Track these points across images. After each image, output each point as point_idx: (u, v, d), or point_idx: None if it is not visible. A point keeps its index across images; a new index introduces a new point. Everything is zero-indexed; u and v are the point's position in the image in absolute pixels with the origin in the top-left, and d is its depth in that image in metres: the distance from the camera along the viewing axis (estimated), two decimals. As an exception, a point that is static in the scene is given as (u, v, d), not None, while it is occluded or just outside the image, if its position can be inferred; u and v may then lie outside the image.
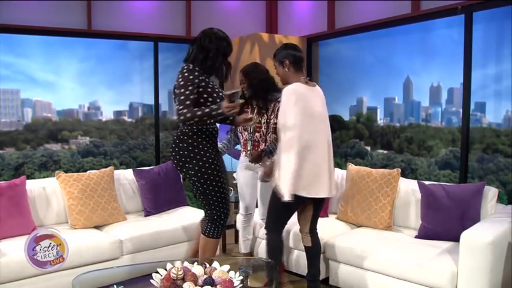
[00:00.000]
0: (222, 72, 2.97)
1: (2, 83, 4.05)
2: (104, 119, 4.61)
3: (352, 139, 4.65)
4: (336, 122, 4.79)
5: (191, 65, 2.84)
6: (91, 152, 4.52)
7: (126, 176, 4.04)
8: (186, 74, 2.77)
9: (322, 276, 3.36)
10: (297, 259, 3.55)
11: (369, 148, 4.53)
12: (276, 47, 4.80)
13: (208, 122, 2.79)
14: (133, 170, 4.07)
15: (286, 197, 2.71)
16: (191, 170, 2.85)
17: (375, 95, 4.47)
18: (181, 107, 2.70)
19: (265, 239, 3.04)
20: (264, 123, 3.37)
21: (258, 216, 3.71)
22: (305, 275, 3.29)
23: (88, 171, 3.84)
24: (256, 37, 4.75)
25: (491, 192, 3.20)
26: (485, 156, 3.67)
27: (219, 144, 3.36)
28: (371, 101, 4.51)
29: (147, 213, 3.93)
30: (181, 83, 2.74)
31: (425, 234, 3.26)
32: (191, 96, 2.72)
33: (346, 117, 4.73)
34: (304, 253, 3.21)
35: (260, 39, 4.76)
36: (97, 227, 3.61)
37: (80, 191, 3.56)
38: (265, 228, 3.05)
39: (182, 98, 2.70)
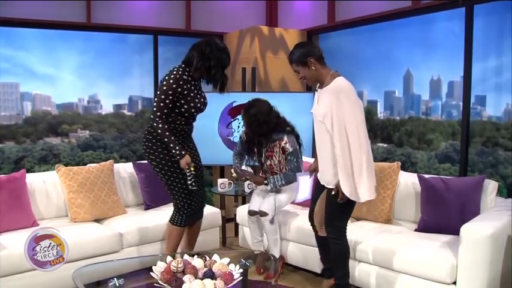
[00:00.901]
0: (218, 83, 3.06)
1: (2, 77, 4.03)
2: (103, 113, 4.60)
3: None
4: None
5: (181, 70, 2.93)
6: (91, 145, 4.51)
7: (126, 169, 4.03)
8: (171, 82, 2.88)
9: (320, 269, 3.37)
10: (294, 251, 3.55)
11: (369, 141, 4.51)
12: (276, 40, 4.85)
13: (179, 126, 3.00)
14: (133, 163, 4.06)
15: (366, 197, 2.62)
16: (154, 162, 3.03)
17: (375, 88, 4.45)
18: (158, 114, 2.89)
19: (334, 245, 2.85)
20: (275, 164, 3.47)
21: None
22: (301, 266, 3.38)
23: (88, 165, 3.83)
24: (256, 30, 4.73)
25: (491, 186, 3.19)
26: (485, 150, 3.67)
27: (236, 163, 3.64)
28: (371, 94, 4.50)
29: (147, 207, 3.93)
30: (164, 88, 2.88)
31: (425, 227, 3.26)
32: (170, 105, 2.89)
33: (346, 110, 4.71)
34: (303, 245, 3.27)
35: (260, 32, 4.74)
36: (97, 221, 3.60)
37: (79, 184, 3.56)
38: (332, 235, 2.84)
39: (161, 104, 2.88)
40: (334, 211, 2.80)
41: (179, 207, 3.12)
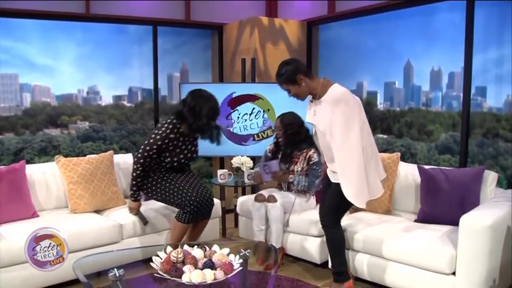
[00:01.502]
0: (208, 134, 3.29)
1: (1, 68, 4.01)
2: (103, 104, 4.58)
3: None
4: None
5: (170, 128, 3.19)
6: (90, 136, 4.50)
7: (125, 160, 4.02)
8: (158, 138, 3.16)
9: (322, 259, 3.37)
10: (294, 242, 3.55)
11: (368, 133, 4.50)
12: (276, 31, 4.82)
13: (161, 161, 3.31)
14: (132, 154, 4.05)
15: (362, 205, 2.71)
16: (144, 190, 3.40)
17: (375, 79, 4.43)
18: (141, 161, 3.20)
19: (330, 233, 2.93)
20: (296, 171, 3.62)
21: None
22: (301, 257, 3.42)
23: (87, 156, 3.82)
24: (256, 21, 4.70)
25: (490, 177, 3.18)
26: (486, 141, 3.66)
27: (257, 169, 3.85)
28: (371, 86, 4.47)
29: (147, 198, 3.91)
30: (152, 140, 3.17)
31: (424, 218, 3.26)
32: (152, 152, 3.18)
33: (346, 101, 4.69)
34: (302, 236, 3.32)
35: (260, 23, 4.71)
36: (97, 212, 3.60)
37: (79, 175, 3.55)
38: (327, 225, 2.93)
39: (147, 148, 3.17)
40: (335, 204, 2.86)
41: (182, 206, 3.25)
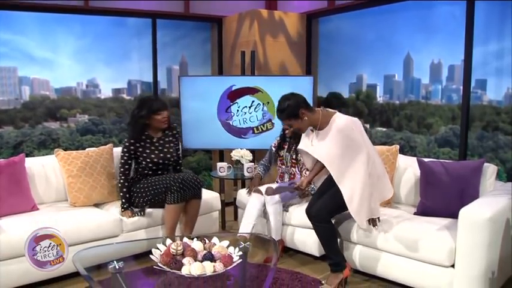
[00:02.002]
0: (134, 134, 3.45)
1: (-1, 61, 4.00)
2: (102, 97, 4.56)
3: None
4: (335, 100, 4.76)
5: (126, 144, 3.46)
6: (90, 129, 4.49)
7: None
8: (124, 146, 3.45)
9: (321, 252, 3.38)
10: (293, 234, 3.55)
11: (368, 125, 4.50)
12: (276, 23, 4.79)
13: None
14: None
15: (363, 224, 2.83)
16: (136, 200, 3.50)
17: (375, 72, 4.41)
18: (120, 173, 3.46)
19: (318, 228, 3.00)
20: (300, 160, 3.56)
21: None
22: (300, 249, 3.45)
23: (87, 149, 3.81)
24: (255, 13, 4.67)
25: (490, 169, 3.17)
26: (485, 134, 3.65)
27: (258, 171, 3.87)
28: (371, 78, 4.46)
29: (141, 211, 3.90)
30: (123, 152, 3.46)
31: (424, 210, 3.25)
32: (126, 166, 3.44)
33: (345, 94, 4.69)
34: (301, 229, 3.36)
35: (259, 15, 4.68)
36: (97, 205, 3.59)
37: (79, 168, 3.53)
38: (319, 220, 2.97)
39: (120, 165, 3.47)
40: (336, 204, 2.93)
41: (169, 187, 3.32)
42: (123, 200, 3.44)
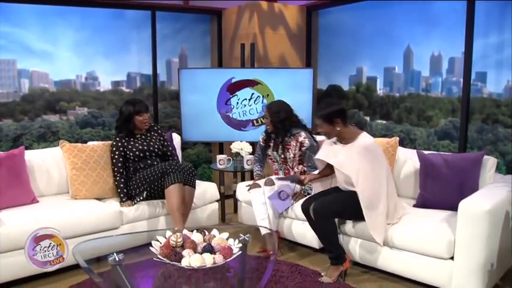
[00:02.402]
0: (123, 133, 3.63)
1: (-2, 53, 3.98)
2: (101, 90, 4.55)
3: (351, 109, 4.60)
4: (335, 92, 4.75)
5: (115, 134, 3.67)
6: (89, 122, 4.48)
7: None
8: (113, 144, 3.63)
9: (320, 245, 3.37)
10: (292, 227, 3.55)
11: (368, 118, 4.50)
12: (275, 15, 4.77)
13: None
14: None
15: (380, 240, 2.90)
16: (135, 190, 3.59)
17: (375, 65, 4.40)
18: (114, 168, 3.60)
19: (323, 225, 3.02)
20: (289, 158, 3.63)
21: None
22: (300, 242, 3.47)
23: (90, 142, 3.79)
24: (255, 6, 4.65)
25: (490, 162, 3.17)
26: (485, 127, 3.64)
27: (257, 171, 3.88)
28: (371, 71, 4.44)
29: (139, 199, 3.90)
30: (112, 149, 3.62)
31: (423, 203, 3.26)
32: (120, 159, 3.59)
33: (345, 87, 4.68)
34: (299, 222, 3.38)
35: (259, 8, 4.65)
36: (98, 200, 3.57)
37: (83, 162, 3.52)
38: (322, 215, 3.00)
39: (114, 161, 3.60)
40: (345, 208, 3.03)
41: (165, 171, 3.42)
42: (121, 195, 3.52)
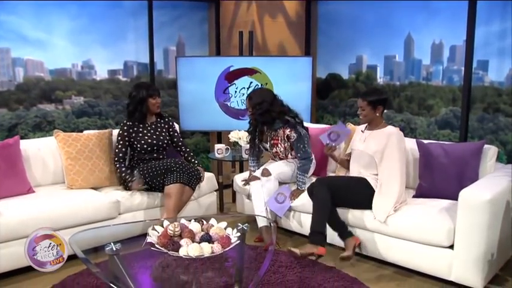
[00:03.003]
0: (136, 116, 3.58)
1: (-8, 41, 3.94)
2: (98, 78, 4.52)
3: (351, 98, 4.59)
4: (334, 81, 4.73)
5: (121, 125, 3.62)
6: (86, 112, 4.46)
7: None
8: (119, 132, 3.60)
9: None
10: (290, 216, 3.56)
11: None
12: (274, 3, 4.73)
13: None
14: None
15: (382, 218, 2.99)
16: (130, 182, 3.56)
17: (375, 53, 4.39)
18: (115, 158, 3.58)
19: (319, 194, 3.09)
20: (280, 151, 3.58)
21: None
22: (298, 231, 3.52)
23: (86, 131, 3.78)
24: (253, -6, 4.61)
25: (491, 151, 3.16)
26: (486, 116, 3.64)
27: (250, 167, 3.84)
28: (371, 59, 4.43)
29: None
30: (118, 137, 3.60)
31: (422, 193, 3.25)
32: (123, 149, 3.58)
33: (345, 75, 4.66)
34: (296, 212, 3.44)
35: (258, -4, 4.62)
36: (94, 189, 3.56)
37: (78, 151, 3.51)
38: (319, 183, 3.14)
39: (116, 150, 3.59)
40: (345, 187, 3.15)
41: (167, 168, 3.42)
42: (127, 176, 3.49)
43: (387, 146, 3.10)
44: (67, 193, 3.39)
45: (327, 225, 3.09)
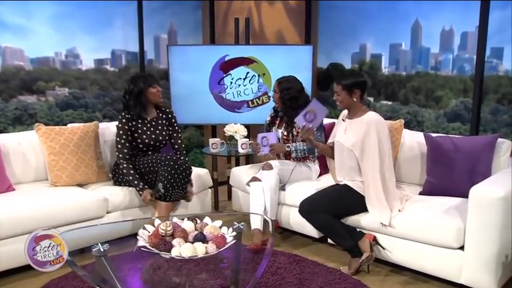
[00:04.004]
0: (137, 111, 3.52)
1: (-33, 28, 3.89)
2: (83, 68, 4.47)
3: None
4: (336, 71, 4.71)
5: (119, 118, 3.54)
6: (71, 104, 4.41)
7: (111, 130, 3.94)
8: (119, 126, 3.51)
9: (320, 234, 3.37)
10: (289, 215, 3.54)
11: (371, 99, 4.48)
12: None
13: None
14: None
15: (387, 222, 2.97)
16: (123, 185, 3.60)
17: (380, 41, 4.38)
18: (120, 155, 3.48)
19: (314, 221, 3.16)
20: (291, 136, 3.70)
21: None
22: (298, 231, 3.51)
23: (70, 125, 3.75)
24: (250, -24, 4.58)
25: (505, 145, 3.14)
26: (500, 108, 3.63)
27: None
28: (375, 48, 4.42)
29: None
30: (119, 132, 3.50)
31: (430, 190, 3.25)
32: (127, 144, 3.49)
33: (347, 65, 4.66)
34: (295, 210, 3.37)
35: (254, -22, 4.59)
36: (80, 186, 3.56)
37: (62, 146, 3.49)
38: (311, 210, 3.13)
39: (119, 146, 3.49)
40: (332, 201, 3.13)
41: (158, 171, 3.40)
42: (136, 182, 3.41)
43: (366, 136, 3.03)
44: (50, 191, 3.36)
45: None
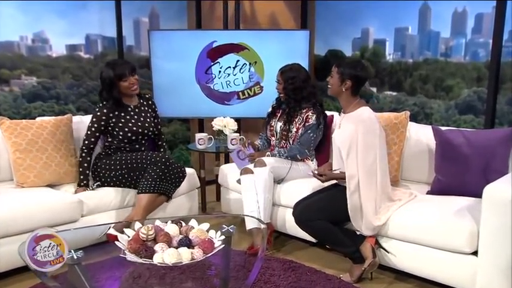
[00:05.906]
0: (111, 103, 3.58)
1: None
2: (54, 55, 4.45)
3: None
4: (335, 59, 4.72)
5: (98, 108, 3.61)
6: (39, 95, 4.38)
7: (86, 124, 3.92)
8: (97, 114, 3.58)
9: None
10: (284, 217, 3.56)
11: (374, 89, 4.50)
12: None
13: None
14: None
15: (371, 232, 3.02)
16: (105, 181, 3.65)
17: (384, 25, 4.39)
18: (85, 141, 3.59)
19: (309, 229, 3.20)
20: (290, 131, 3.73)
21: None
22: (294, 235, 3.52)
23: (39, 118, 3.74)
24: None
25: (523, 140, 3.17)
26: (519, 98, 3.65)
27: (258, 142, 4.03)
28: (379, 33, 4.44)
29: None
30: (93, 119, 3.59)
31: (439, 189, 3.26)
32: (96, 134, 3.59)
33: (348, 52, 4.67)
34: (289, 211, 3.42)
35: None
36: (50, 187, 3.55)
37: (29, 142, 3.47)
38: (306, 219, 3.16)
39: (88, 133, 3.59)
40: (328, 207, 3.15)
41: (145, 168, 3.44)
42: (82, 176, 3.53)
43: (352, 136, 3.04)
44: (17, 192, 3.35)
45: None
